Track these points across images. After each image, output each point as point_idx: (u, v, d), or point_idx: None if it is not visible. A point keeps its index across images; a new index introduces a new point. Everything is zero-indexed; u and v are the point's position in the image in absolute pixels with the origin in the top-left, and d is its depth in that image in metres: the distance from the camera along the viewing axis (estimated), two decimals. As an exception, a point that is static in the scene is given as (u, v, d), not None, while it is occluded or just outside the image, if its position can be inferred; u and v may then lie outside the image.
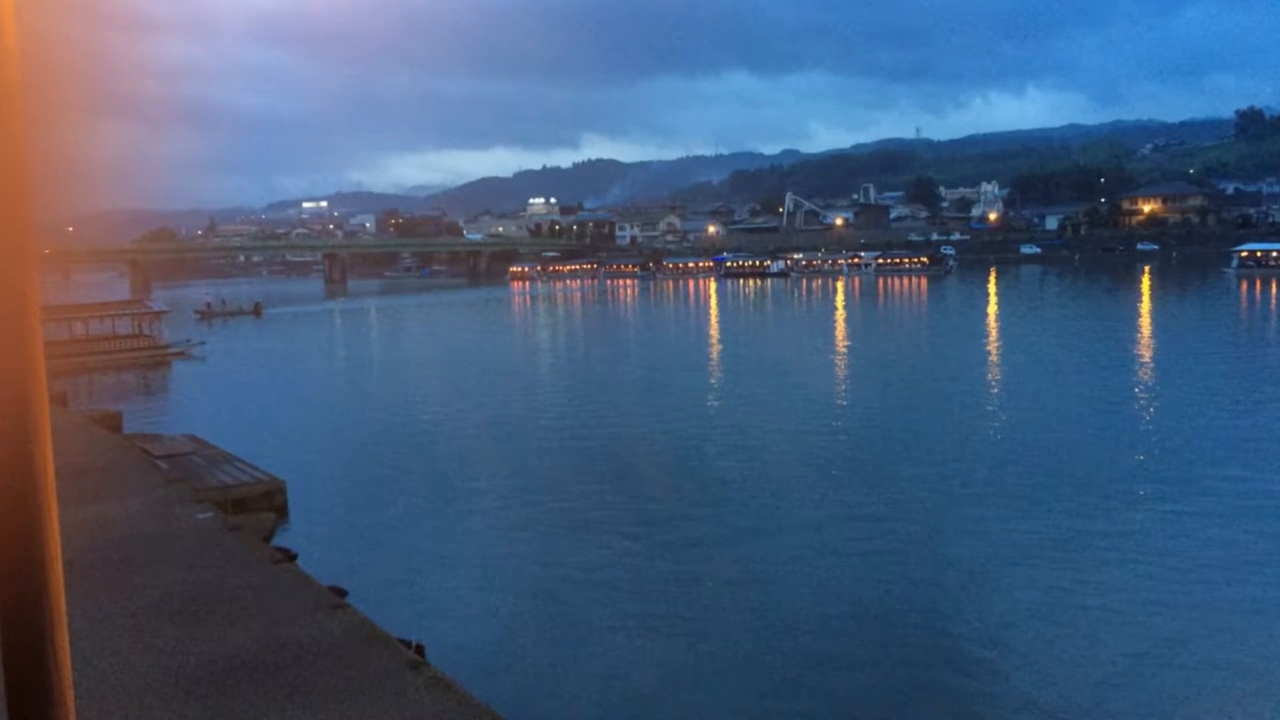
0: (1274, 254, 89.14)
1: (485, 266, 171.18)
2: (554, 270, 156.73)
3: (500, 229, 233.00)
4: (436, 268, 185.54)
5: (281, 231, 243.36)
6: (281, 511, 17.15)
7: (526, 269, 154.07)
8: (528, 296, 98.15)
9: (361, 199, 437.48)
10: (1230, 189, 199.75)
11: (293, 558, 12.21)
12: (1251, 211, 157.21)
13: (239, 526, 12.18)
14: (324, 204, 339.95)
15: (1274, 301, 62.11)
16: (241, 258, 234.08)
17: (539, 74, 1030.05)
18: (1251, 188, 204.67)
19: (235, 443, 20.94)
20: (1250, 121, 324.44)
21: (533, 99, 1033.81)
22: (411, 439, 25.06)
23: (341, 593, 10.99)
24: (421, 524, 17.48)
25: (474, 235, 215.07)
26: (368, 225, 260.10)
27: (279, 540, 15.07)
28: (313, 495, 18.81)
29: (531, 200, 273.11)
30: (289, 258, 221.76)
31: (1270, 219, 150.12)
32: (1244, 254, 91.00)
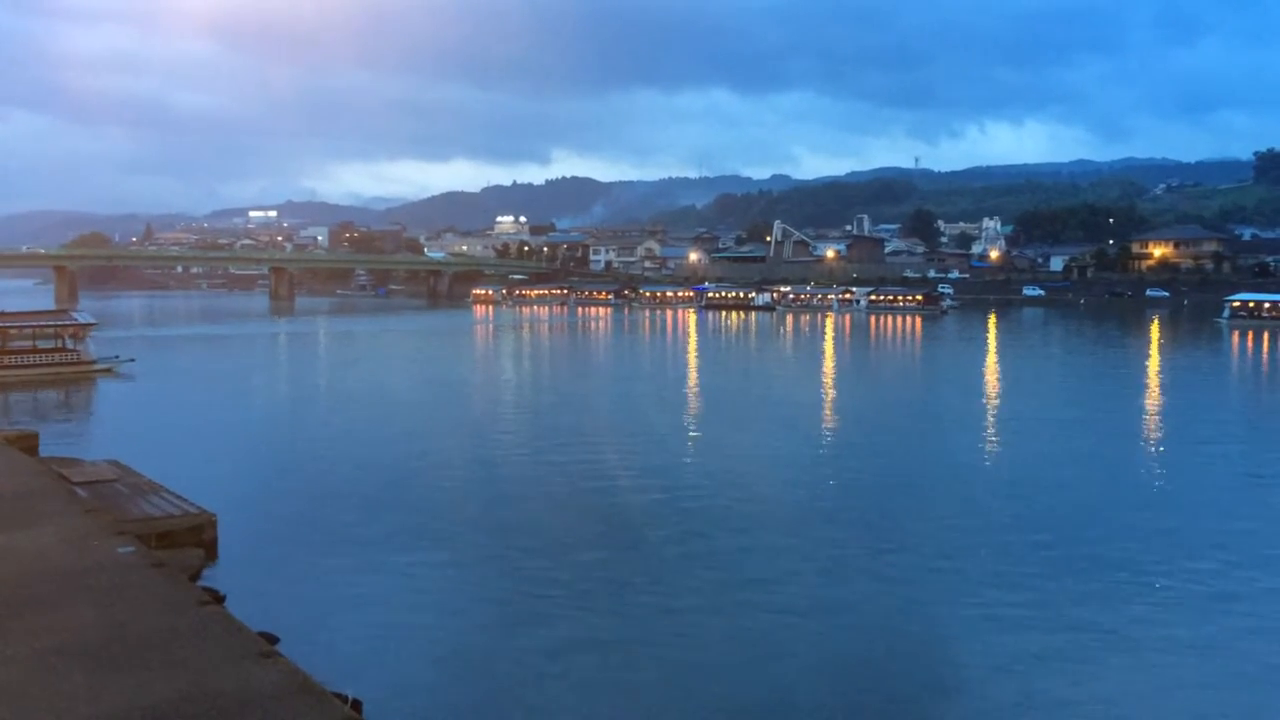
0: (1266, 305, 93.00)
1: (447, 287, 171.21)
2: (521, 294, 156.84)
3: (464, 248, 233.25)
4: (393, 286, 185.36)
5: (225, 242, 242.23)
6: (210, 548, 16.96)
7: (491, 292, 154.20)
8: (491, 325, 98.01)
9: (314, 209, 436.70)
10: (1248, 235, 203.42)
11: (221, 599, 12.08)
12: (1270, 260, 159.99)
13: (163, 563, 12.03)
14: (273, 213, 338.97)
15: (1264, 352, 63.35)
16: (180, 268, 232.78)
17: (506, 83, 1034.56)
18: (1270, 234, 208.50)
19: (163, 471, 20.71)
20: (1270, 164, 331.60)
21: (499, 110, 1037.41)
22: (354, 475, 24.91)
23: (273, 639, 10.88)
24: (361, 565, 17.34)
25: (435, 253, 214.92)
26: (320, 238, 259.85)
27: (207, 580, 14.91)
28: (245, 531, 18.63)
29: (499, 218, 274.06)
30: (233, 270, 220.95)
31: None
32: (1236, 304, 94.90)
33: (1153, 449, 29.46)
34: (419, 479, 24.40)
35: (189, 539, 16.51)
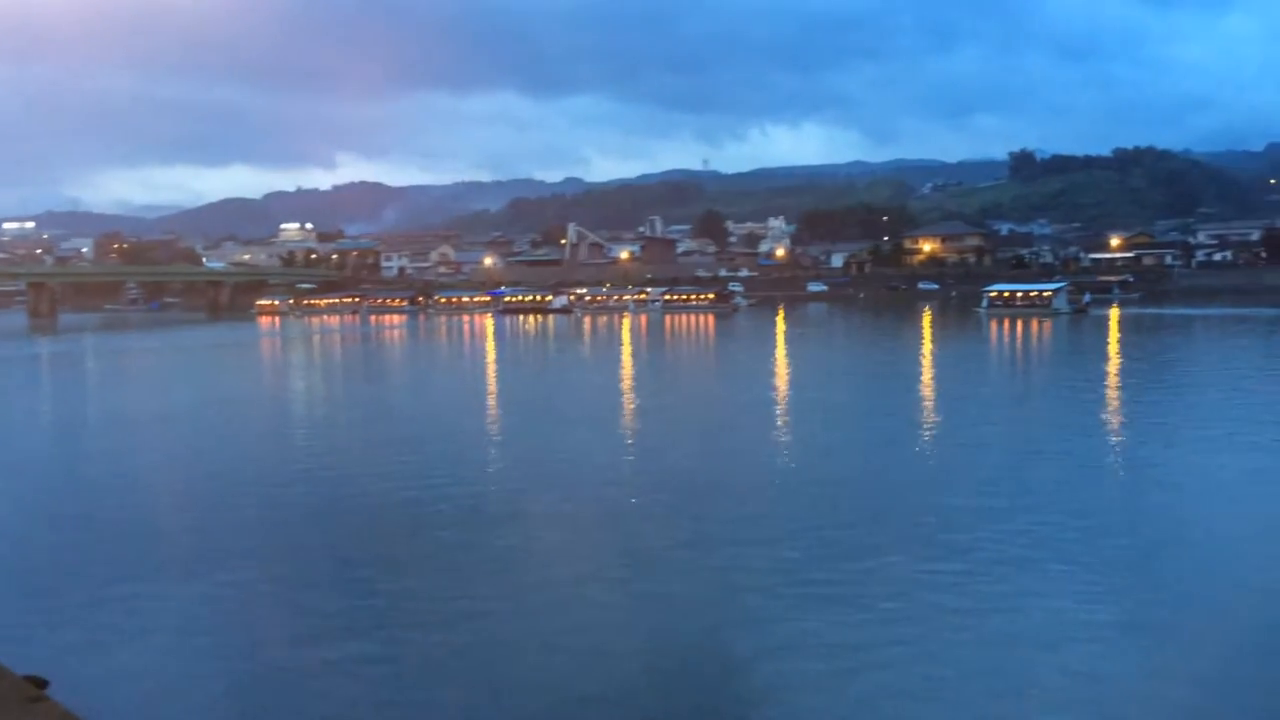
0: (1018, 294, 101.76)
1: (229, 299, 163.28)
2: (310, 304, 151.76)
3: (247, 257, 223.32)
4: (169, 300, 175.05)
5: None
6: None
7: (278, 303, 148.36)
8: (279, 337, 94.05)
9: (78, 220, 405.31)
10: (1005, 230, 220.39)
11: (-21, 646, 11.10)
12: (1024, 252, 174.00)
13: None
14: (30, 224, 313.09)
15: (1017, 338, 69.04)
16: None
17: (286, 86, 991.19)
18: (1024, 229, 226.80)
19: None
20: (1022, 163, 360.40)
21: (279, 113, 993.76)
22: (133, 502, 23.40)
23: (41, 683, 10.09)
24: (140, 597, 16.30)
25: (215, 263, 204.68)
26: (84, 250, 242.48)
27: (-39, 626, 13.67)
28: (4, 566, 17.18)
29: (284, 225, 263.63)
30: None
31: (1041, 259, 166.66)
32: (993, 294, 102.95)
33: (930, 432, 31.39)
34: (204, 502, 23.15)
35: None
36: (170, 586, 16.98)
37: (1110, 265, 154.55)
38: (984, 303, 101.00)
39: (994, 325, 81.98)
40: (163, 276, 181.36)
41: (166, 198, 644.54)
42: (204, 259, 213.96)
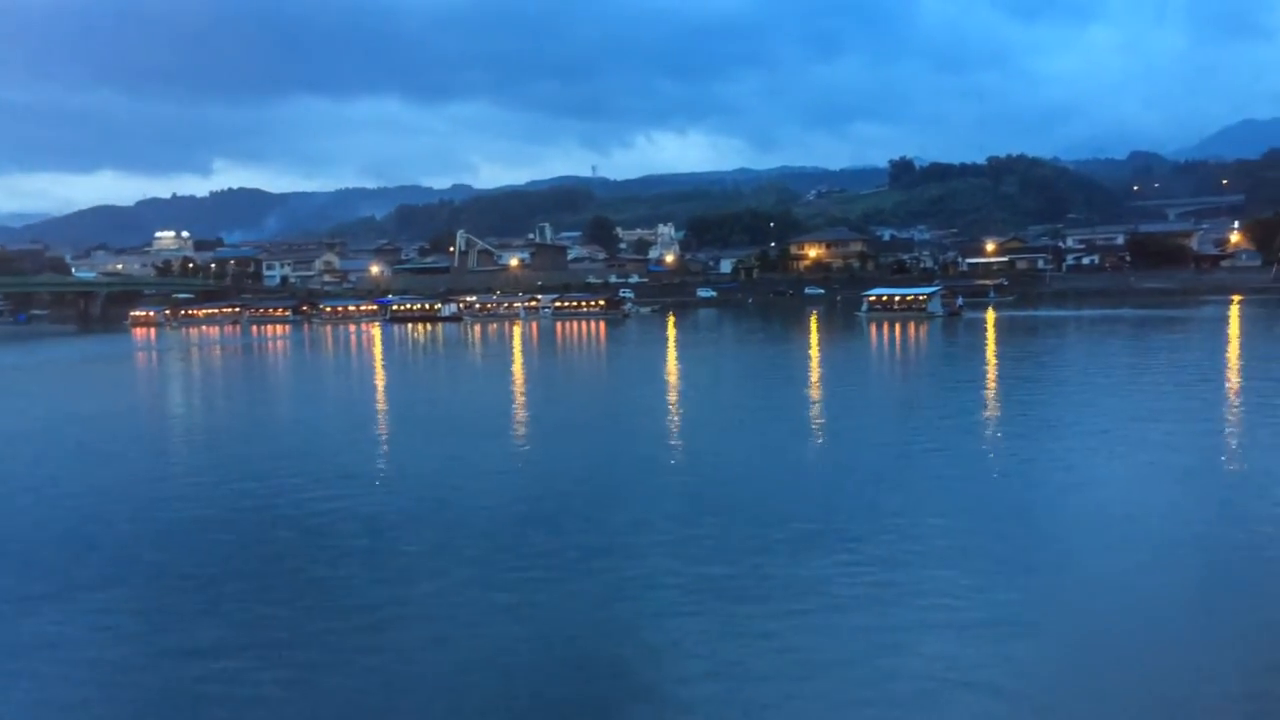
0: (895, 299, 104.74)
1: (100, 310, 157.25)
2: (188, 314, 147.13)
3: (120, 266, 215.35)
4: (36, 312, 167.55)
5: None
6: None
7: (153, 313, 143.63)
8: (155, 350, 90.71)
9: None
10: (887, 235, 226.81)
11: None
12: (906, 257, 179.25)
13: None
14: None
15: (896, 341, 71.18)
16: None
17: (158, 90, 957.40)
18: (905, 234, 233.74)
19: None
20: (902, 171, 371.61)
21: (151, 118, 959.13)
22: (-3, 523, 22.35)
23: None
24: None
25: (86, 273, 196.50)
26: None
27: None
28: None
29: (159, 233, 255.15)
30: None
31: (922, 264, 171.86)
32: (872, 299, 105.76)
33: (817, 431, 32.08)
34: (57, 526, 22.25)
35: None
36: (40, 615, 16.30)
37: (987, 269, 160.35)
38: (864, 307, 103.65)
39: (873, 328, 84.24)
40: (29, 287, 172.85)
41: (33, 205, 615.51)
42: (73, 269, 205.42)
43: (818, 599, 15.80)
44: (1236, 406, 34.63)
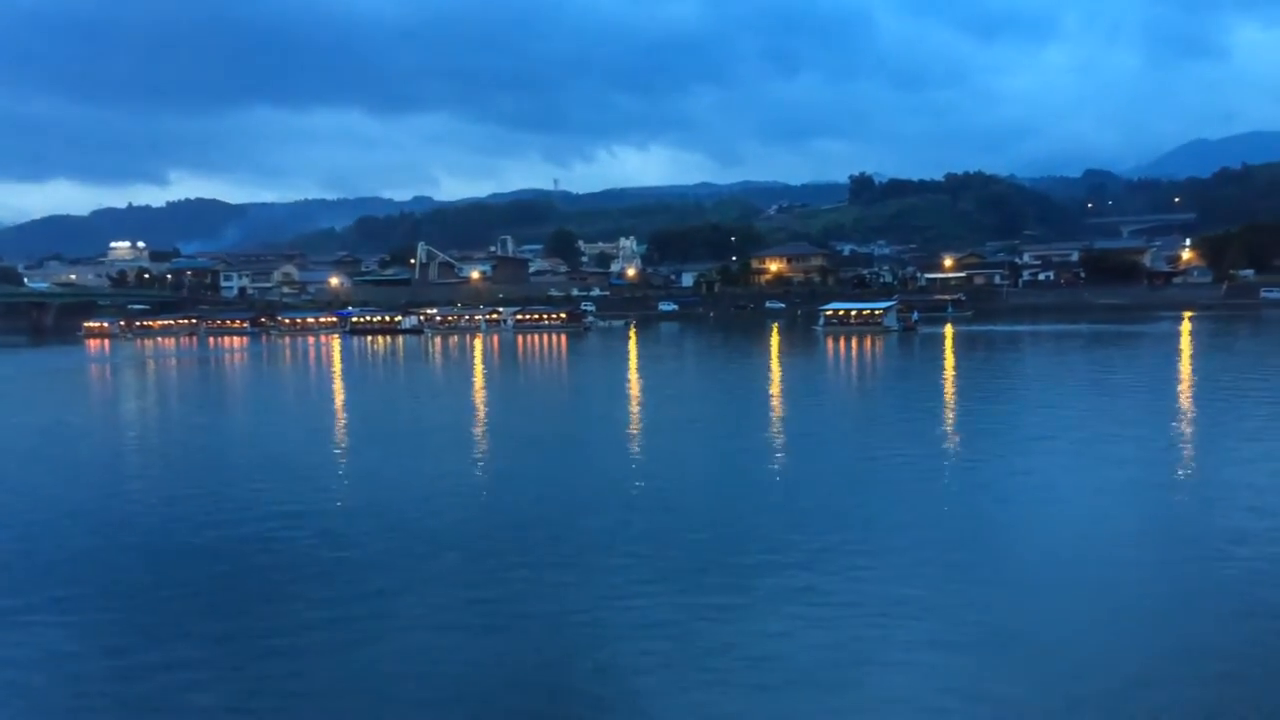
0: (852, 313, 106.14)
1: (53, 321, 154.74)
2: (143, 326, 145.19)
3: (73, 277, 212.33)
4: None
5: None
6: None
7: (107, 325, 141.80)
8: (109, 362, 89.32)
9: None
10: (847, 250, 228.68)
11: None
12: (865, 272, 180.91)
13: None
14: None
15: (852, 355, 71.81)
16: None
17: (112, 99, 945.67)
18: (865, 249, 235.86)
19: None
20: (862, 187, 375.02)
21: (105, 127, 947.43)
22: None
23: None
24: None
25: (38, 284, 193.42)
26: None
27: None
28: None
29: (114, 243, 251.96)
30: None
31: (881, 279, 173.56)
32: (829, 313, 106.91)
33: (778, 441, 32.22)
34: (19, 540, 21.83)
35: None
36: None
37: (944, 285, 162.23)
38: (820, 321, 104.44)
39: (830, 342, 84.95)
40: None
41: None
42: (25, 279, 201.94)
43: (782, 613, 15.84)
44: (1190, 419, 35.24)
